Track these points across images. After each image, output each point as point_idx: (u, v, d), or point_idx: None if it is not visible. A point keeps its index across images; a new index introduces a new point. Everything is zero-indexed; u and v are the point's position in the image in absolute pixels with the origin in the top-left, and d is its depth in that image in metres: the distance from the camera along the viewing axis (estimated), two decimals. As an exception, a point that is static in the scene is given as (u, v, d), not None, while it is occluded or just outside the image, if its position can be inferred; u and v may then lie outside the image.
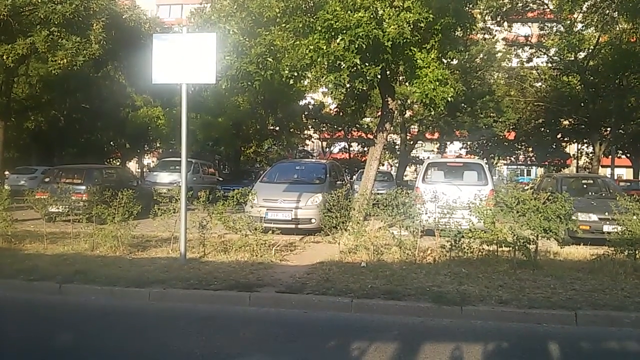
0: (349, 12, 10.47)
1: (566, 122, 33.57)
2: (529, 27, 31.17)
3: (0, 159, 18.06)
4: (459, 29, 13.06)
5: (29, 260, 9.14)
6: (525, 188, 12.11)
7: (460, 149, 42.67)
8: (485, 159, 33.48)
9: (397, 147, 40.54)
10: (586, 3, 23.34)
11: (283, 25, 11.39)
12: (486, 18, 26.57)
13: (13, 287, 7.76)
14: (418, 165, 38.24)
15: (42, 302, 7.30)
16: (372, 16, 10.48)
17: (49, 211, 11.25)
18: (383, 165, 41.04)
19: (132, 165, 45.63)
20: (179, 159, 9.88)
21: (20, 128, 28.51)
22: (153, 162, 43.67)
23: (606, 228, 10.97)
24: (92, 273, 8.13)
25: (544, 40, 28.88)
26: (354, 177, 29.74)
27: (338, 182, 15.13)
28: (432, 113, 15.94)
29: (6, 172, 24.58)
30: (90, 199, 11.46)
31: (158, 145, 40.14)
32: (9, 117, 19.39)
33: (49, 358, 5.31)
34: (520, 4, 26.92)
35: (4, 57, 15.11)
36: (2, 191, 11.18)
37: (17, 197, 12.98)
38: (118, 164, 39.63)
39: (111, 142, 39.02)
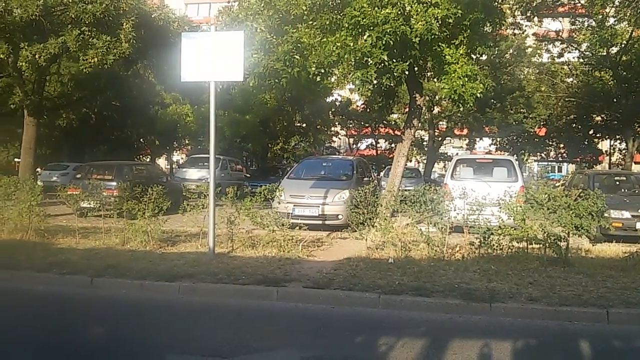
0: (376, 8, 10.44)
1: (598, 118, 32.89)
2: (560, 22, 30.60)
3: (32, 156, 18.40)
4: (488, 25, 12.91)
5: (62, 254, 9.34)
6: (556, 185, 11.94)
7: (490, 145, 42.07)
8: (515, 155, 32.93)
9: (425, 143, 40.24)
10: (618, -3, 22.87)
11: (310, 22, 11.41)
12: (516, 13, 26.13)
13: (46, 280, 7.93)
14: (446, 162, 37.92)
15: (74, 295, 7.45)
16: (399, 12, 10.44)
17: (80, 206, 11.45)
18: (411, 161, 40.76)
19: (162, 162, 46.14)
20: (207, 155, 9.96)
21: (52, 125, 29.06)
22: (182, 158, 44.09)
23: (639, 225, 10.76)
24: (122, 267, 8.28)
25: (575, 35, 28.34)
26: (382, 173, 29.65)
27: (365, 179, 15.09)
28: (461, 109, 15.82)
29: (38, 169, 25.08)
30: (121, 194, 11.63)
31: (187, 142, 40.50)
32: (41, 115, 19.74)
33: (81, 350, 5.41)
34: (550, -1, 26.45)
35: (37, 56, 15.39)
36: (35, 187, 11.41)
37: (50, 193, 13.28)
38: (148, 160, 40.14)
39: (141, 139, 39.50)
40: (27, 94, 18.43)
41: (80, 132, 32.03)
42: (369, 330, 6.05)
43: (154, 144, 39.55)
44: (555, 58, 30.93)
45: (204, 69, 9.25)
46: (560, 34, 29.81)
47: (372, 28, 10.32)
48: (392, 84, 12.20)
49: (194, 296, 7.31)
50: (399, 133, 20.99)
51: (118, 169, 16.11)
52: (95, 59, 15.44)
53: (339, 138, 49.40)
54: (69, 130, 31.33)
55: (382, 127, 41.96)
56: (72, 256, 9.15)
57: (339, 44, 10.58)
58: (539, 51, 32.14)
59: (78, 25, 15.33)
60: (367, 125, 42.18)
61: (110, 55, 15.48)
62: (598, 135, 34.41)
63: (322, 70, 11.36)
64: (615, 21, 25.23)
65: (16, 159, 30.81)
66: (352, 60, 10.82)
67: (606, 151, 38.11)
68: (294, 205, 12.62)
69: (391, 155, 32.44)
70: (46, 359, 5.12)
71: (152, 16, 17.60)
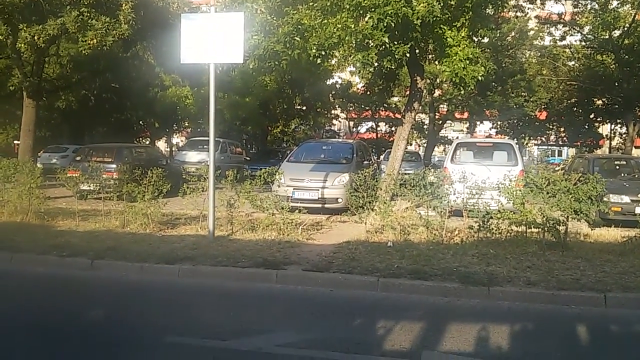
0: (378, -11, 10.32)
1: (599, 102, 32.77)
2: (562, 4, 30.36)
3: (32, 138, 18.38)
4: (490, 7, 12.77)
5: (62, 236, 9.37)
6: (556, 169, 11.94)
7: (490, 128, 41.94)
8: (515, 139, 32.81)
9: (425, 126, 40.12)
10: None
11: (311, 3, 11.29)
12: (518, -5, 26.01)
13: (46, 262, 7.97)
14: (447, 146, 37.86)
15: (75, 278, 7.49)
16: (401, -6, 10.32)
17: (80, 189, 11.46)
18: (411, 145, 40.67)
19: (161, 144, 46.09)
20: (207, 138, 9.95)
21: (51, 107, 28.99)
22: (182, 141, 44.01)
23: (638, 210, 10.79)
24: (122, 249, 8.31)
25: (577, 18, 28.14)
26: (382, 157, 29.62)
27: (365, 162, 15.09)
28: (462, 92, 15.74)
29: (38, 152, 25.06)
30: (121, 177, 11.66)
31: (186, 124, 40.41)
32: (40, 97, 19.68)
33: (81, 332, 5.44)
34: (553, -19, 26.27)
35: (35, 37, 15.30)
36: (34, 169, 11.42)
37: (49, 175, 13.29)
38: (147, 143, 40.09)
39: (140, 122, 39.43)
40: (26, 75, 18.37)
41: (79, 114, 31.94)
42: (368, 313, 6.08)
43: (153, 126, 39.49)
44: (557, 41, 30.74)
45: (203, 50, 9.20)
46: (563, 16, 29.59)
47: (373, 10, 10.22)
48: (392, 67, 12.08)
49: (194, 279, 7.35)
50: (399, 116, 20.93)
51: (118, 152, 16.09)
52: (95, 41, 15.36)
53: (339, 121, 49.25)
54: (68, 113, 31.25)
55: (382, 110, 41.83)
56: (72, 238, 9.18)
57: (339, 26, 10.49)
58: (541, 34, 31.91)
59: (77, 6, 15.24)
60: (367, 108, 42.03)
61: (109, 36, 15.40)
62: (599, 119, 34.32)
63: (323, 53, 11.26)
64: (618, 4, 25.07)
65: (15, 142, 30.77)
66: (353, 42, 10.74)
67: (606, 135, 38.05)
68: (294, 189, 12.64)
69: (391, 139, 32.42)
70: (46, 341, 5.14)
71: (152, -3, 17.47)
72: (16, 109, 23.98)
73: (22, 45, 15.68)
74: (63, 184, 11.85)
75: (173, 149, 41.06)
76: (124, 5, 15.48)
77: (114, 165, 14.34)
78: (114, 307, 6.27)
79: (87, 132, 33.54)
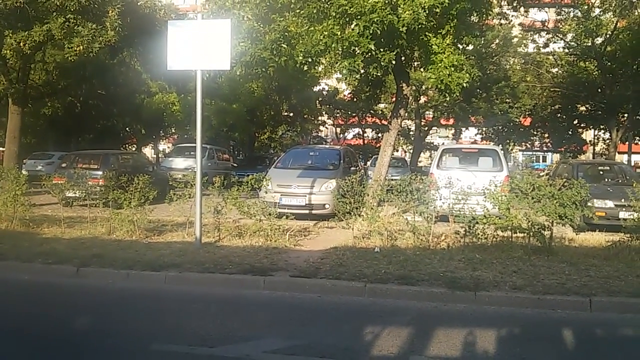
0: (364, -3, 10.41)
1: (583, 108, 33.14)
2: (546, 12, 30.74)
3: (17, 145, 18.22)
4: (475, 14, 12.95)
5: (47, 244, 9.29)
6: (541, 174, 12.06)
7: (476, 135, 42.26)
8: (500, 145, 33.12)
9: (411, 133, 40.31)
10: (604, -13, 23.00)
11: (297, 11, 11.35)
12: (502, 3, 26.17)
13: (31, 270, 7.89)
14: (433, 152, 38.07)
15: (60, 285, 7.43)
16: (386, 1, 10.41)
17: (66, 196, 11.40)
18: (397, 151, 40.88)
19: (148, 151, 45.87)
20: (193, 144, 9.93)
21: (37, 114, 28.69)
22: (168, 147, 43.87)
23: (622, 215, 10.89)
24: (108, 257, 8.26)
25: (560, 26, 28.48)
26: (368, 163, 29.72)
27: (352, 168, 15.12)
28: (447, 99, 15.88)
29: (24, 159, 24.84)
30: (107, 184, 11.56)
31: (173, 131, 40.28)
32: (25, 104, 19.53)
33: (66, 340, 5.40)
34: (537, -12, 26.56)
35: (21, 44, 15.20)
36: (20, 176, 11.33)
37: (35, 182, 13.19)
38: (134, 149, 39.85)
39: (127, 128, 39.17)
40: (11, 82, 18.22)
41: (65, 120, 31.67)
42: (355, 318, 6.09)
43: (140, 133, 39.27)
44: (541, 48, 31.09)
45: (190, 57, 9.19)
46: (546, 24, 29.93)
47: (359, 17, 10.31)
48: (379, 74, 12.20)
49: (181, 286, 7.32)
50: (385, 122, 21.05)
51: (104, 158, 16.01)
52: (81, 47, 15.27)
53: (326, 127, 49.36)
54: (54, 119, 30.97)
55: (369, 117, 42.01)
56: (57, 246, 9.10)
57: (326, 33, 10.56)
58: (524, 41, 32.31)
59: (63, 13, 15.14)
60: (354, 114, 42.19)
61: (95, 43, 15.31)
62: (582, 125, 34.68)
63: (310, 59, 11.32)
64: (600, 12, 25.41)
65: (0, 148, 30.47)
66: (340, 49, 10.82)
67: (590, 141, 38.46)
68: (281, 195, 12.63)
69: (378, 145, 32.50)
70: (31, 349, 5.10)
71: (139, 4, 17.44)
72: (1, 115, 23.75)
73: (8, 51, 15.57)
74: (48, 191, 11.78)
75: (160, 156, 40.88)
76: (110, 12, 15.42)
77: (99, 172, 14.25)
78: (100, 315, 6.22)
79: (73, 139, 33.25)
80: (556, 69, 33.16)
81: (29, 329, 5.61)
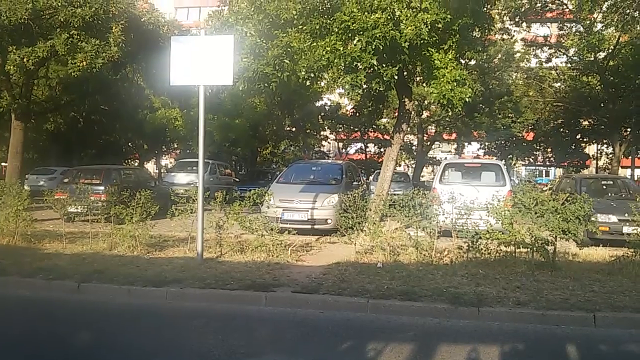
0: (366, 13, 10.47)
1: (586, 123, 33.17)
2: (548, 27, 30.82)
3: (20, 160, 18.32)
4: (477, 30, 12.99)
5: (49, 259, 9.27)
6: (544, 189, 12.01)
7: (478, 149, 42.34)
8: (503, 159, 33.13)
9: (414, 147, 40.38)
10: (606, 3, 22.98)
11: (300, 27, 11.41)
12: (504, 18, 26.33)
13: (33, 285, 7.86)
14: (435, 166, 38.05)
15: (61, 301, 7.40)
16: (389, 17, 10.47)
17: (68, 211, 11.38)
18: (400, 166, 40.88)
19: (150, 166, 45.93)
20: (196, 160, 9.95)
21: (39, 129, 28.83)
22: (171, 163, 43.89)
23: (626, 229, 10.83)
24: (110, 272, 8.22)
25: (563, 41, 28.53)
26: (371, 178, 29.68)
27: (354, 183, 15.11)
28: (450, 114, 15.90)
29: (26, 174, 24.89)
30: (109, 199, 11.59)
31: (175, 146, 40.37)
32: (28, 119, 19.66)
33: (68, 356, 5.36)
34: (539, 4, 26.62)
35: (25, 59, 15.33)
36: (22, 191, 11.32)
37: (37, 197, 13.17)
38: (136, 164, 39.93)
39: (129, 143, 39.32)
40: (14, 97, 18.34)
41: (68, 136, 31.79)
42: (358, 335, 6.04)
43: (142, 148, 39.38)
44: (543, 63, 31.16)
45: (193, 73, 9.23)
46: (549, 39, 30.03)
47: (361, 33, 10.35)
48: (381, 89, 12.21)
49: (182, 302, 7.28)
50: (388, 137, 21.03)
51: (106, 173, 16.02)
52: (84, 63, 15.39)
53: (329, 142, 49.35)
54: (56, 135, 31.11)
55: (371, 132, 42.04)
56: (59, 261, 9.08)
57: (328, 49, 10.60)
58: (527, 56, 32.40)
59: (67, 29, 15.28)
60: (356, 129, 42.23)
61: (99, 59, 15.44)
62: (585, 139, 34.69)
63: (312, 75, 11.37)
64: (602, 26, 25.45)
65: (3, 163, 30.50)
66: (342, 64, 10.84)
67: (593, 155, 38.40)
68: (283, 210, 12.61)
69: (380, 160, 32.49)
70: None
71: (142, 20, 17.58)
72: (4, 130, 23.88)
73: (11, 67, 15.70)
74: (50, 206, 11.75)
75: (162, 171, 40.93)
76: (114, 27, 15.56)
77: (102, 187, 14.26)
78: (101, 331, 6.19)
79: (75, 154, 33.34)
80: (559, 84, 33.23)
81: (30, 345, 5.58)
